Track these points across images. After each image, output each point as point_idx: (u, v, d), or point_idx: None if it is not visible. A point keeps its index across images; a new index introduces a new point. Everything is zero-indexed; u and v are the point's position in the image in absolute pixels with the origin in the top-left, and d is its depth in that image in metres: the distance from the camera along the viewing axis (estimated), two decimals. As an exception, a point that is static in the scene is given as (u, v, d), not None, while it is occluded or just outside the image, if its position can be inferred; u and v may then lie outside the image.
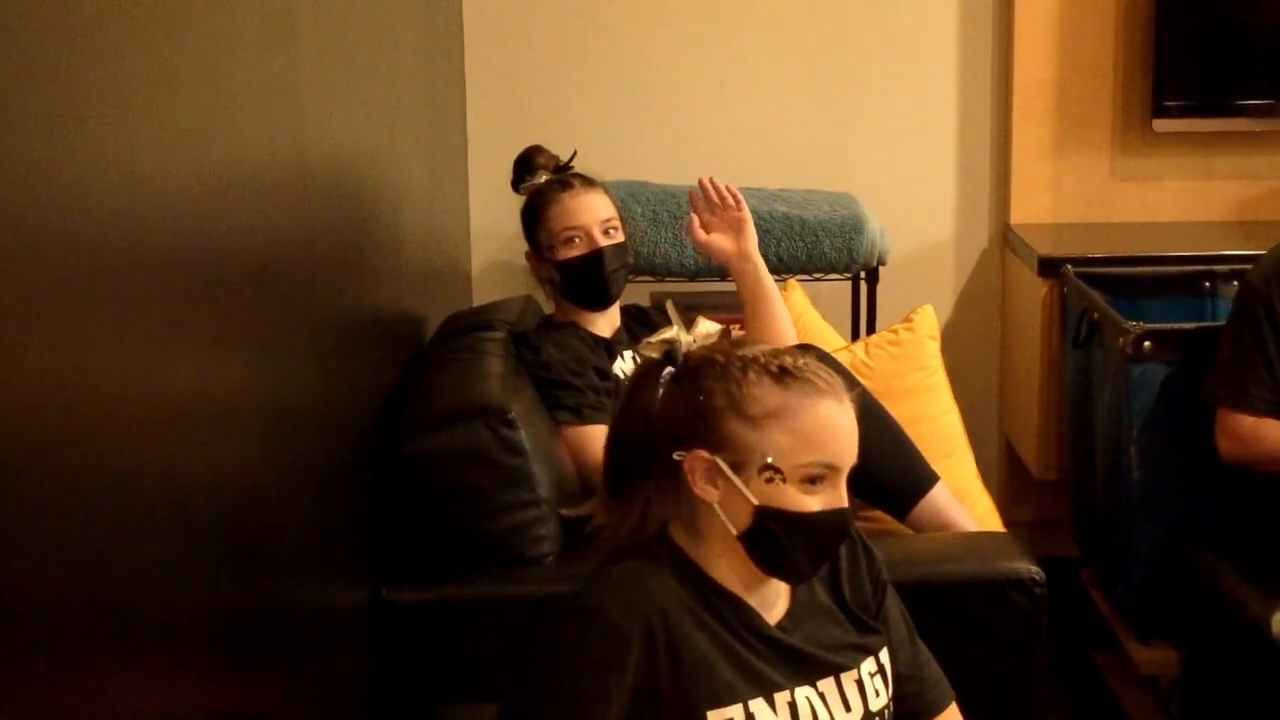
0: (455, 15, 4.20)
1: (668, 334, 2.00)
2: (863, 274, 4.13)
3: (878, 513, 2.97)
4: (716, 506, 1.92)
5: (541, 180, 3.19)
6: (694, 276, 4.06)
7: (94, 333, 1.39)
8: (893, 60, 4.40)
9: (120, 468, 1.44)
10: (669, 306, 2.21)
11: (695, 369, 1.94)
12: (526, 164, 3.24)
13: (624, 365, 3.13)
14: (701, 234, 3.22)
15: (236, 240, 1.83)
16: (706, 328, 2.06)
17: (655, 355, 1.98)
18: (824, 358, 2.42)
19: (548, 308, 3.32)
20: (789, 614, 1.99)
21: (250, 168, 1.90)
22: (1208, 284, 3.93)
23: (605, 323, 3.18)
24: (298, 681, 2.09)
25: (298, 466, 2.11)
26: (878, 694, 2.01)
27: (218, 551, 1.74)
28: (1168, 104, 4.29)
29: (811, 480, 1.89)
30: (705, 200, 3.22)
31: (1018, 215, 4.40)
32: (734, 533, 1.91)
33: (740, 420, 1.89)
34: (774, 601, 1.99)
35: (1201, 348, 3.17)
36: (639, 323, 3.28)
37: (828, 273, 4.06)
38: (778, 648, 1.95)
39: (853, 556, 2.06)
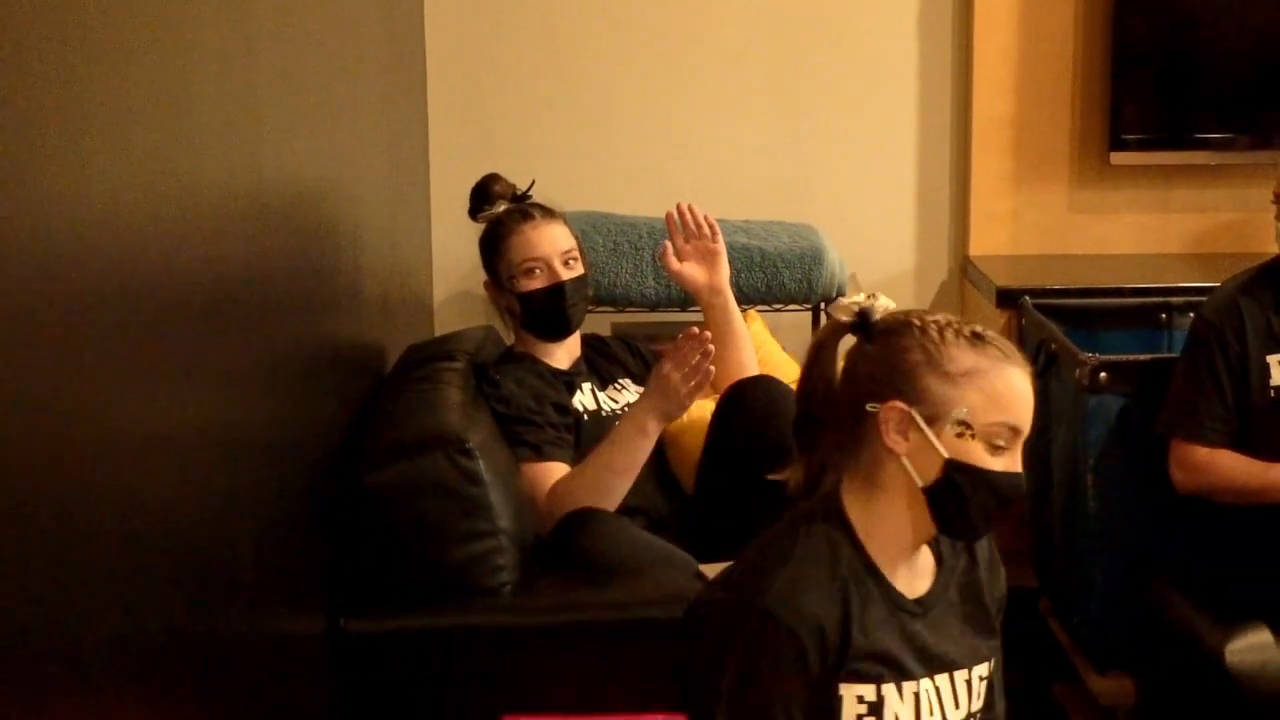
0: (418, 46, 4.21)
1: (859, 298, 2.08)
2: (823, 305, 4.15)
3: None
4: (905, 459, 2.00)
5: (500, 209, 3.19)
6: (654, 307, 4.07)
7: (46, 363, 1.38)
8: (853, 93, 4.42)
9: (73, 498, 1.44)
10: (850, 279, 2.17)
11: (890, 329, 2.03)
12: (484, 192, 3.23)
13: (584, 399, 3.13)
14: (674, 262, 3.22)
15: (193, 271, 1.83)
16: (886, 303, 2.11)
17: (846, 318, 2.07)
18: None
19: (508, 338, 3.32)
20: (923, 601, 2.07)
21: (207, 198, 1.90)
22: (1164, 316, 3.96)
23: (564, 354, 3.19)
24: (255, 712, 2.09)
25: (255, 497, 2.11)
26: (979, 698, 2.11)
27: (173, 582, 1.74)
28: (1125, 137, 4.33)
29: (996, 441, 1.98)
30: (681, 227, 3.22)
31: (976, 247, 4.42)
32: (920, 484, 2.00)
33: (937, 376, 1.98)
34: (915, 587, 2.08)
35: (1157, 379, 3.20)
36: (599, 354, 3.29)
37: (788, 303, 4.08)
38: (911, 637, 2.04)
39: (991, 563, 2.18)
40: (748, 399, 3.01)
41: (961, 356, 2.00)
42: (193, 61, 1.86)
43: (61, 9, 1.43)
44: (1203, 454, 3.08)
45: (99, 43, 1.53)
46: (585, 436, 3.05)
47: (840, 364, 2.11)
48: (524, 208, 3.19)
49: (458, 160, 4.22)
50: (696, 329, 2.88)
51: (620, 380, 3.25)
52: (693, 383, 2.84)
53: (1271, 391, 3.06)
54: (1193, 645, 2.95)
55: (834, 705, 1.99)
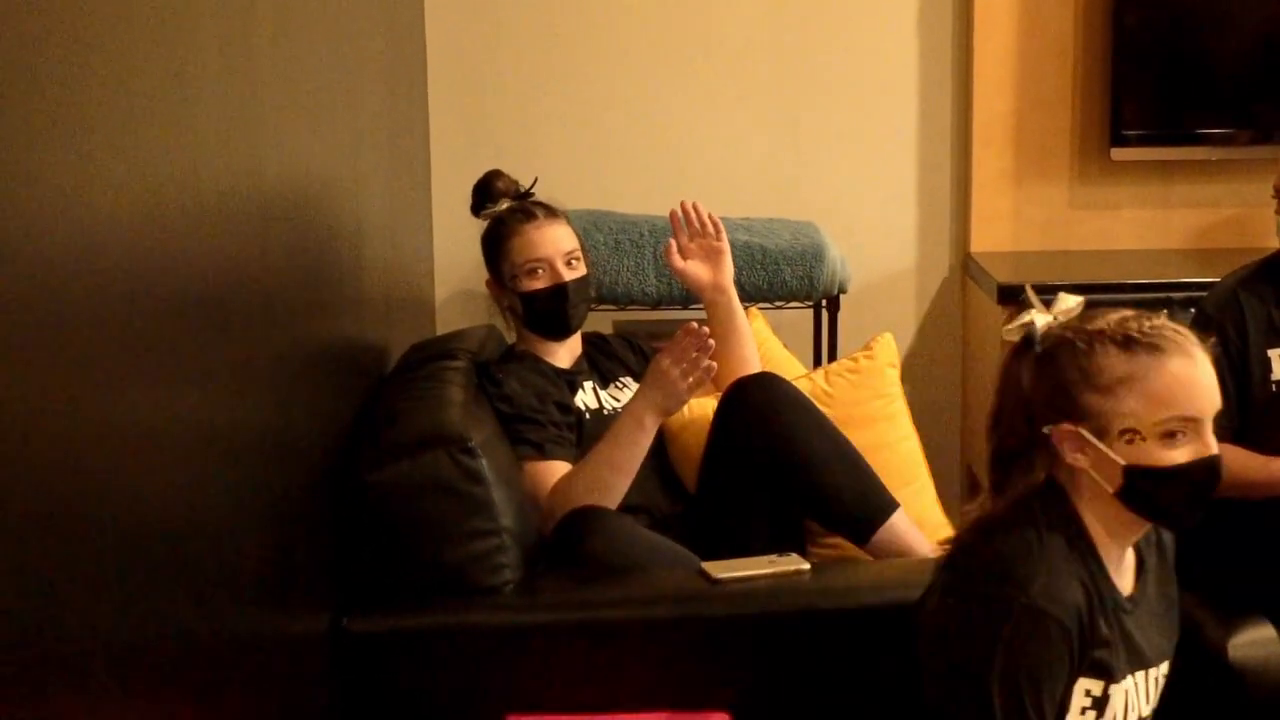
0: (418, 44, 4.21)
1: (1026, 317, 2.13)
2: (824, 302, 4.15)
3: (838, 539, 2.99)
4: (1090, 471, 2.08)
5: (503, 207, 3.19)
6: (656, 305, 4.07)
7: (50, 364, 1.39)
8: (854, 91, 4.43)
9: (76, 498, 1.44)
10: (1028, 290, 2.24)
11: (1052, 348, 2.10)
12: (486, 189, 3.24)
13: (585, 398, 3.13)
14: (678, 260, 3.22)
15: (195, 271, 1.83)
16: (1066, 304, 2.16)
17: (1015, 339, 2.14)
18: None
19: (510, 337, 3.32)
20: (1133, 597, 2.16)
21: (209, 198, 1.91)
22: (1165, 311, 3.93)
23: (566, 352, 3.19)
24: (258, 712, 2.09)
25: (257, 496, 2.11)
26: (1160, 696, 2.21)
27: (176, 582, 1.74)
28: (1126, 133, 4.33)
29: (1171, 435, 2.04)
30: (685, 225, 3.22)
31: (978, 243, 4.43)
32: (1110, 491, 2.07)
33: (1092, 390, 2.05)
34: (1125, 580, 2.17)
35: (1158, 375, 3.19)
36: (601, 352, 3.29)
37: (789, 301, 4.08)
38: (1125, 633, 2.12)
39: (1172, 561, 2.28)
40: (749, 396, 3.01)
41: (1112, 366, 2.05)
42: (194, 62, 1.86)
43: (63, 12, 1.43)
44: (1204, 448, 3.08)
45: (100, 45, 1.53)
46: (587, 435, 3.05)
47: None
48: (527, 207, 3.19)
49: (459, 158, 4.23)
50: (696, 324, 2.88)
51: (622, 379, 3.25)
52: (691, 377, 2.83)
53: (1273, 385, 3.05)
54: (1195, 641, 2.94)
55: (1066, 701, 2.05)
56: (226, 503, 1.96)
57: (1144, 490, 2.06)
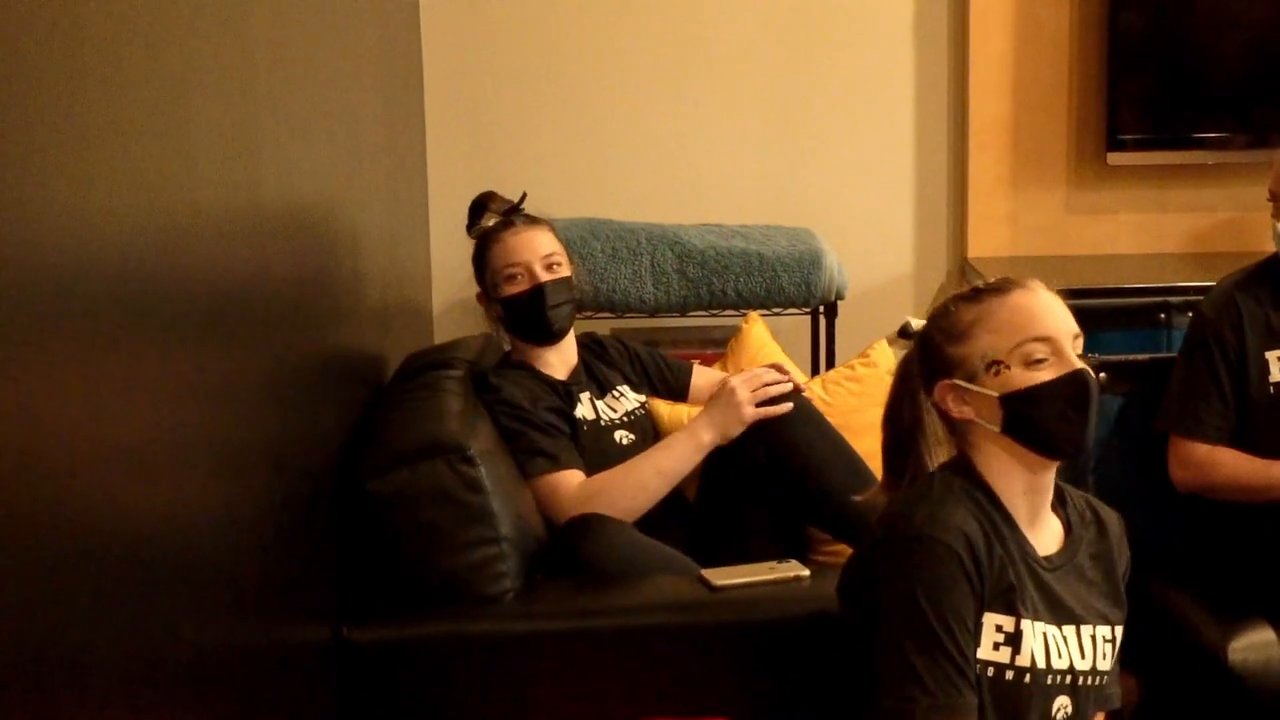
0: (415, 57, 4.22)
1: (906, 319, 2.40)
2: (821, 308, 4.16)
3: (839, 545, 2.99)
4: (977, 420, 2.21)
5: (490, 223, 3.22)
6: (653, 313, 4.08)
7: (50, 377, 1.39)
8: (851, 97, 4.44)
9: (76, 510, 1.45)
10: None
11: (924, 329, 2.30)
12: (479, 209, 3.27)
13: (583, 410, 3.13)
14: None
15: (193, 284, 1.84)
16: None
17: (898, 339, 2.40)
18: None
19: (507, 347, 3.32)
20: (1052, 559, 2.25)
21: (207, 212, 1.91)
22: (1163, 315, 3.96)
23: (560, 362, 3.19)
24: (258, 721, 2.09)
25: (257, 507, 2.12)
26: (1105, 658, 2.30)
27: (176, 592, 1.74)
28: (1122, 138, 4.34)
29: (1034, 360, 2.17)
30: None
31: (975, 249, 4.44)
32: (997, 430, 2.19)
33: (953, 342, 2.22)
34: (1046, 543, 2.26)
35: (1155, 378, 3.20)
36: (597, 358, 3.29)
37: (787, 307, 4.09)
38: (1041, 584, 2.21)
39: (1120, 539, 2.38)
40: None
41: (964, 315, 2.22)
42: (191, 77, 1.86)
43: (62, 28, 1.44)
44: (1203, 451, 3.09)
45: (99, 61, 1.54)
46: (585, 447, 3.06)
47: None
48: (508, 218, 3.21)
49: (456, 170, 4.24)
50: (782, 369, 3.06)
51: (619, 388, 3.25)
52: (750, 393, 2.94)
53: (1270, 388, 3.06)
54: (1195, 643, 2.95)
55: (977, 635, 2.14)
56: (226, 513, 1.97)
57: (1023, 415, 2.17)
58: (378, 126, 3.50)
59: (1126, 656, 3.25)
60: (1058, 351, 2.18)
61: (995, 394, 2.18)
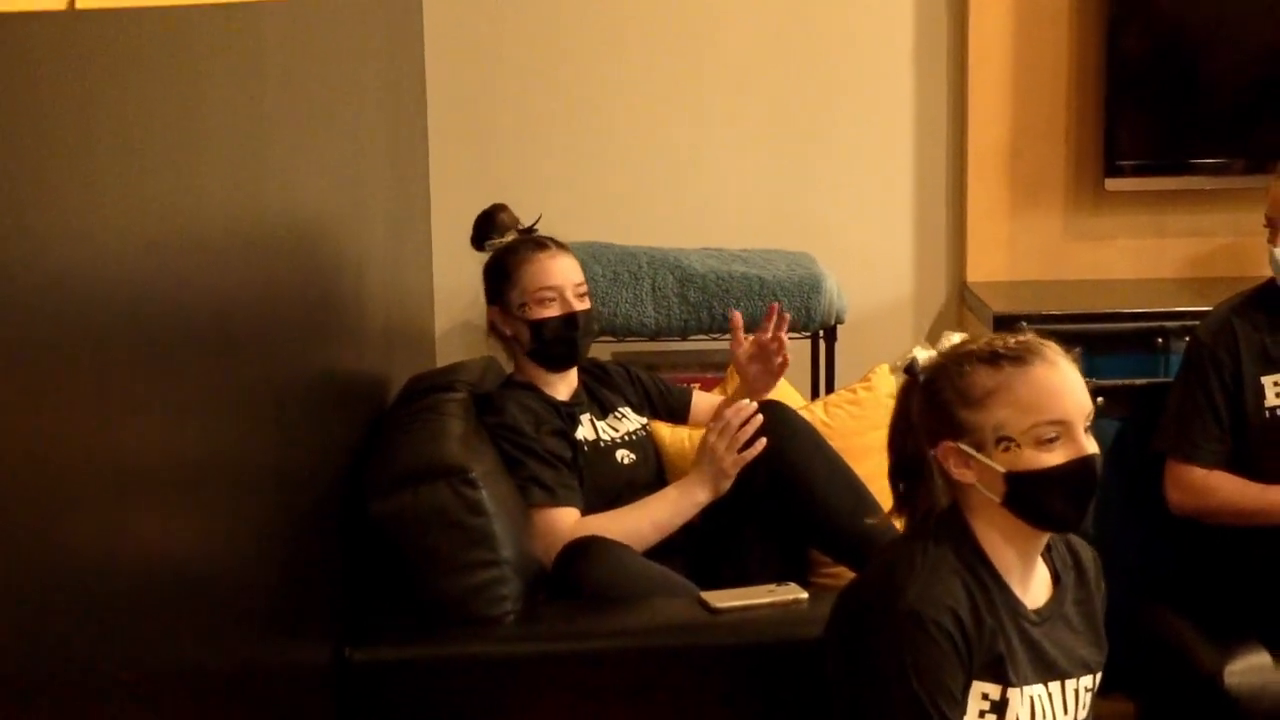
0: (418, 80, 4.24)
1: (912, 352, 2.29)
2: (821, 332, 4.17)
3: (839, 568, 3.01)
4: (977, 485, 2.20)
5: (510, 238, 3.22)
6: (654, 336, 4.10)
7: (56, 397, 1.41)
8: (851, 122, 4.46)
9: (80, 529, 1.46)
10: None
11: (932, 376, 2.24)
12: (490, 221, 3.26)
13: (584, 430, 3.14)
14: (743, 352, 3.23)
15: (199, 305, 1.86)
16: (950, 339, 2.31)
17: (901, 373, 2.29)
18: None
19: (508, 369, 3.33)
20: (1041, 611, 2.24)
21: (212, 232, 1.93)
22: (1160, 340, 3.99)
23: (563, 385, 3.20)
24: (261, 741, 2.11)
25: (260, 528, 2.13)
26: (1084, 708, 2.28)
27: (179, 612, 1.76)
28: (1120, 163, 4.36)
29: (1044, 439, 2.15)
30: (763, 329, 3.21)
31: (974, 273, 4.45)
32: (997, 501, 2.18)
33: (967, 407, 2.18)
34: (1035, 594, 2.26)
35: (1152, 403, 3.22)
36: (599, 382, 3.30)
37: (786, 331, 4.09)
38: (1030, 642, 2.21)
39: (1097, 577, 2.37)
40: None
41: (981, 381, 2.18)
42: (199, 99, 1.88)
43: (71, 51, 1.46)
44: (1199, 475, 3.10)
45: (106, 84, 1.56)
46: (586, 468, 3.07)
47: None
48: (538, 238, 3.22)
49: (459, 192, 4.25)
50: (746, 401, 3.02)
51: (620, 409, 3.26)
52: (737, 451, 2.96)
53: (1266, 412, 3.08)
54: (1191, 667, 2.96)
55: (963, 704, 2.14)
56: (230, 533, 1.98)
57: (1026, 495, 2.17)
58: (382, 149, 3.53)
59: (1124, 681, 3.27)
60: (1070, 433, 2.16)
61: (1002, 470, 2.16)
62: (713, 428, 2.99)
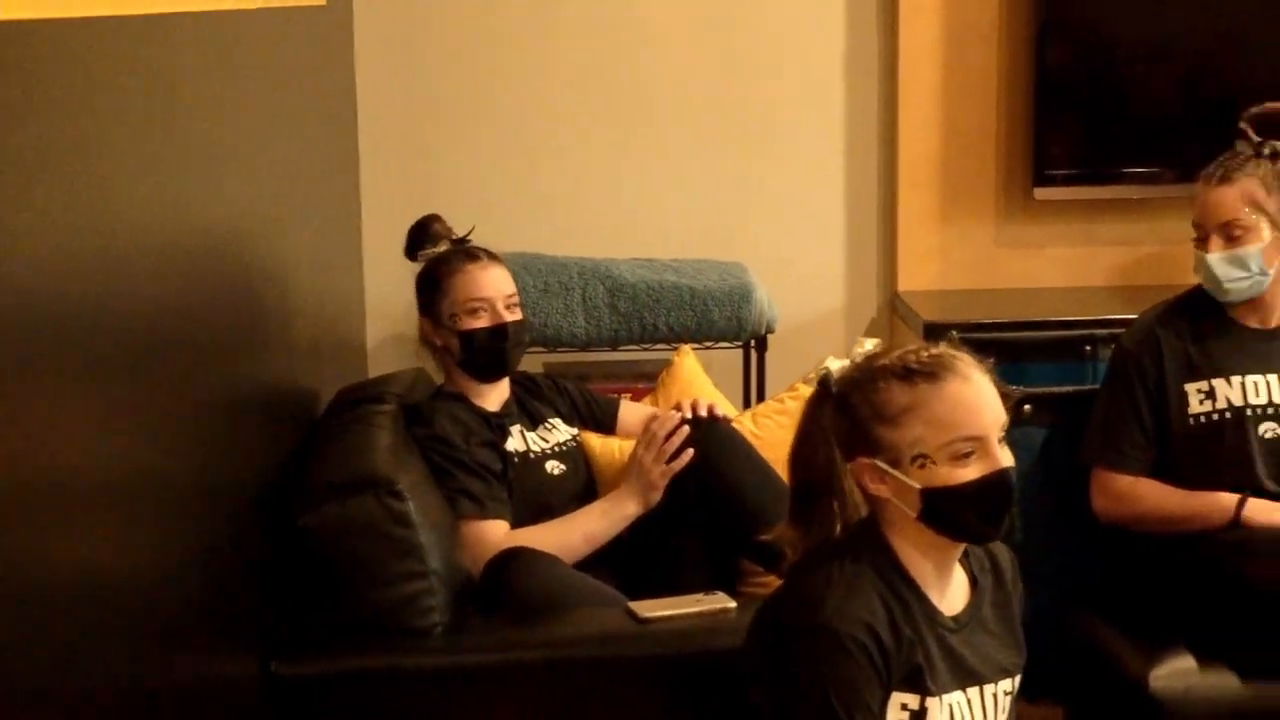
0: (349, 90, 4.23)
1: (825, 364, 2.27)
2: (752, 342, 4.19)
3: (769, 577, 3.01)
4: (893, 499, 2.19)
5: (443, 248, 3.21)
6: (585, 347, 4.10)
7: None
8: (782, 132, 4.47)
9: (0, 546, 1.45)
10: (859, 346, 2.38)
11: (846, 389, 2.22)
12: (423, 231, 3.26)
13: (514, 442, 3.14)
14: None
15: (117, 316, 1.84)
16: (863, 347, 2.29)
17: (813, 385, 2.26)
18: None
19: (439, 379, 3.33)
20: (959, 618, 2.24)
21: (133, 244, 1.92)
22: (1088, 347, 4.02)
23: (494, 396, 3.20)
24: (184, 756, 2.09)
25: (185, 541, 2.12)
26: (1004, 711, 2.28)
27: (101, 628, 1.74)
28: (1049, 173, 4.39)
29: (960, 455, 2.14)
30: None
31: (905, 282, 4.47)
32: (913, 516, 2.17)
33: (882, 423, 2.17)
34: (953, 601, 2.26)
35: (1079, 410, 3.24)
36: (530, 393, 3.30)
37: (718, 341, 4.11)
38: (948, 650, 2.21)
39: (1014, 578, 2.37)
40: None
41: (895, 398, 2.16)
42: (115, 106, 1.87)
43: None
44: (1125, 483, 3.13)
45: (24, 95, 1.54)
46: (516, 480, 3.07)
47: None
48: (470, 249, 3.21)
49: (390, 201, 4.24)
50: (676, 411, 3.06)
51: (550, 420, 3.26)
52: (660, 470, 2.99)
53: (1190, 419, 3.10)
54: (1118, 672, 2.98)
55: (882, 715, 2.14)
56: (153, 547, 1.97)
57: (942, 510, 2.16)
58: (311, 160, 3.51)
59: (1052, 687, 3.29)
60: (985, 448, 2.15)
61: (918, 486, 2.15)
62: (640, 440, 3.01)
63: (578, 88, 4.42)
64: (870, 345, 2.30)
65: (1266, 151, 3.10)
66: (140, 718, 1.88)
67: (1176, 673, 2.91)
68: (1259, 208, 3.07)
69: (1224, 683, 2.90)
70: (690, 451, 2.99)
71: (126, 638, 1.82)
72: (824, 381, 2.25)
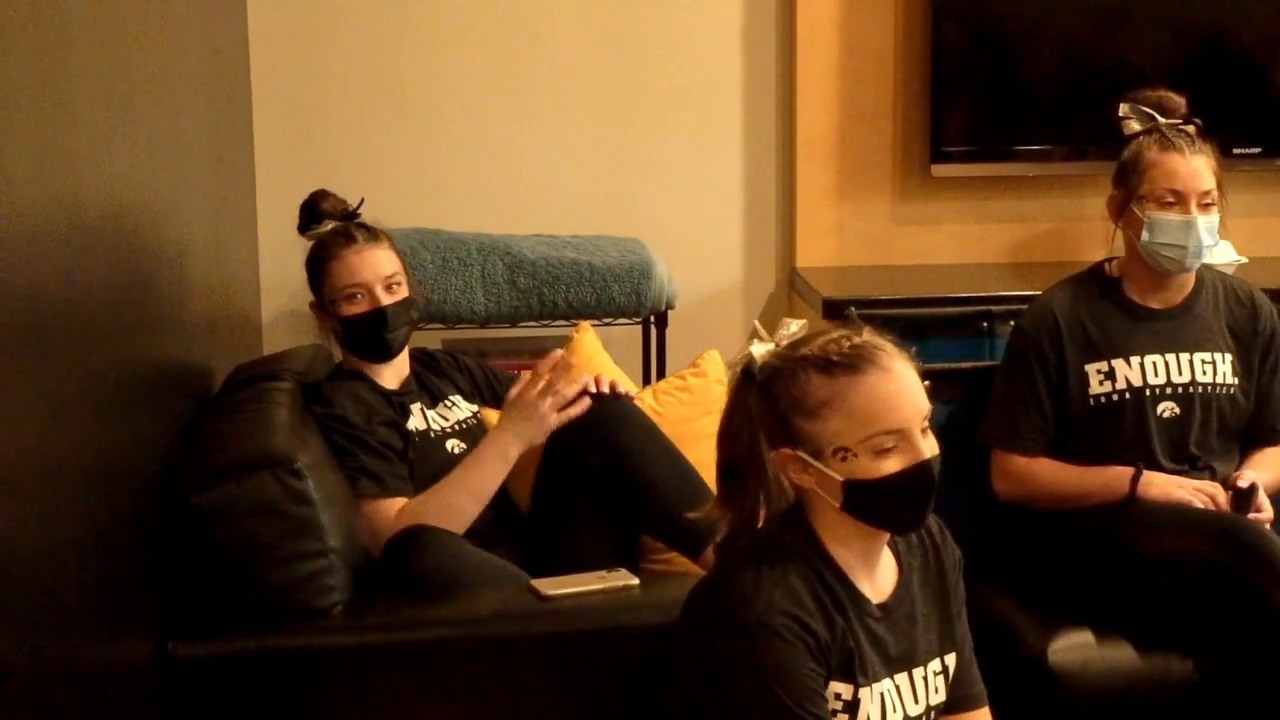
0: (242, 59, 4.17)
1: (748, 349, 2.24)
2: (652, 318, 4.18)
3: (671, 554, 3.01)
4: (816, 489, 2.18)
5: (327, 229, 3.17)
6: (484, 323, 4.08)
7: None
8: (680, 109, 4.47)
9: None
10: (756, 325, 2.34)
11: (769, 377, 2.20)
12: (312, 209, 3.21)
13: (415, 421, 3.11)
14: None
15: (4, 294, 1.80)
16: (788, 329, 2.27)
17: (736, 372, 2.24)
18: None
19: (339, 355, 3.30)
20: (886, 605, 2.24)
21: (17, 218, 1.87)
22: (985, 324, 4.05)
23: (393, 373, 3.17)
24: (79, 741, 2.06)
25: (76, 522, 2.08)
26: (937, 691, 2.29)
27: (-8, 611, 1.71)
28: (946, 150, 4.42)
29: (880, 447, 2.13)
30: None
31: (803, 259, 4.49)
32: (836, 506, 2.16)
33: (803, 416, 2.15)
34: (881, 586, 2.25)
35: (978, 386, 3.27)
36: (429, 370, 3.28)
37: (617, 317, 4.11)
38: (875, 639, 2.20)
39: (942, 534, 2.38)
40: (587, 412, 3.02)
41: (816, 390, 2.14)
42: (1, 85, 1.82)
43: None
44: (1022, 464, 3.15)
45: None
46: (417, 459, 3.04)
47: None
48: (348, 229, 3.16)
49: (285, 176, 4.19)
50: (561, 352, 3.01)
51: (451, 397, 3.24)
52: (549, 399, 2.95)
53: (1090, 400, 3.13)
54: (1016, 646, 3.01)
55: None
56: (43, 528, 1.93)
57: (864, 502, 2.15)
58: (202, 131, 3.46)
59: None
60: (907, 439, 2.14)
61: (840, 478, 2.14)
62: (528, 381, 2.99)
63: (476, 62, 4.39)
64: (795, 327, 2.28)
65: (1184, 126, 3.13)
66: (35, 700, 1.84)
67: (1074, 646, 2.94)
68: (1217, 180, 3.12)
69: (1121, 655, 2.94)
70: (587, 400, 2.98)
71: (17, 620, 1.79)
72: (747, 369, 2.22)
